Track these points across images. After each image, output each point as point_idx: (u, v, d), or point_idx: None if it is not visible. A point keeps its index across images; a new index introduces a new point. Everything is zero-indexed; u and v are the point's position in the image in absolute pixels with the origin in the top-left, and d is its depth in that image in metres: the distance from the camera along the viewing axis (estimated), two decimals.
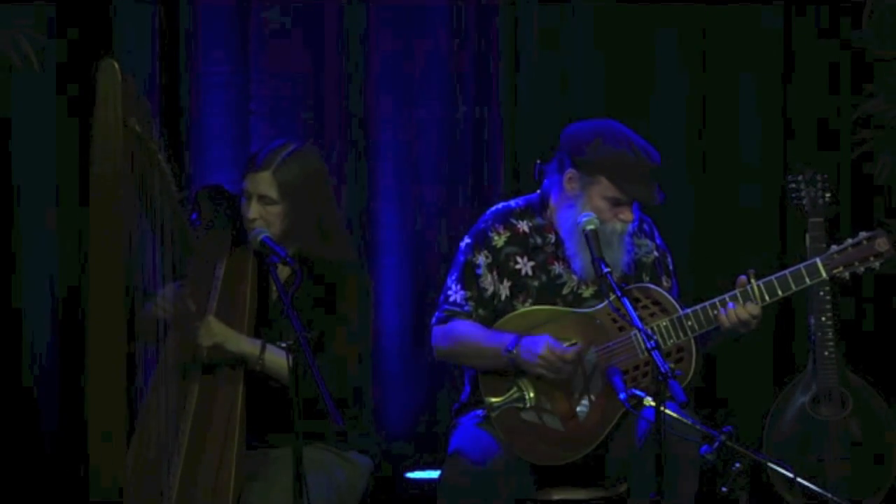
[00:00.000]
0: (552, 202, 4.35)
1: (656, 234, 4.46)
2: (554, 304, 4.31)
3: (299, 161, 4.20)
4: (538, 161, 4.43)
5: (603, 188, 4.22)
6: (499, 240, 4.34)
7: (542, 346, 4.13)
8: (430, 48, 5.48)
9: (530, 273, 4.33)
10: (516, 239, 4.34)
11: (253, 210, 4.16)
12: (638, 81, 5.50)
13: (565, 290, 4.32)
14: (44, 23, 5.24)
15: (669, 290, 4.36)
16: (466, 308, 4.31)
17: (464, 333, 4.29)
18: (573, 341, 4.23)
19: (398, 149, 5.48)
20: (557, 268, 4.33)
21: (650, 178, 4.23)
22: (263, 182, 4.16)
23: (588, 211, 4.22)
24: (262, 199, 4.16)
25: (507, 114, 5.47)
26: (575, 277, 4.32)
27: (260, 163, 4.18)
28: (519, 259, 4.34)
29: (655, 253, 4.42)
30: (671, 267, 4.44)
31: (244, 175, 4.21)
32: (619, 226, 4.25)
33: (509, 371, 4.25)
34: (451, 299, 4.34)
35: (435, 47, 5.48)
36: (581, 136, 4.28)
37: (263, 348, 4.04)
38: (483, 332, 4.26)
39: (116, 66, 3.65)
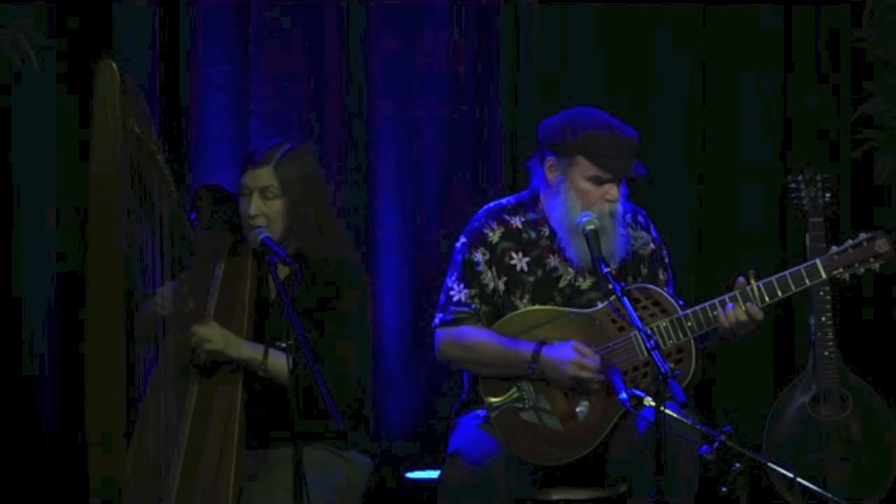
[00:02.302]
0: (542, 196, 4.36)
1: (651, 226, 4.47)
2: (551, 297, 4.31)
3: (298, 158, 4.23)
4: (528, 161, 4.45)
5: (582, 168, 4.25)
6: (493, 236, 4.35)
7: (572, 350, 4.15)
8: (430, 48, 5.49)
9: (525, 269, 4.33)
10: (510, 234, 4.35)
11: (254, 206, 4.16)
12: (638, 81, 5.50)
13: (562, 283, 4.33)
14: (44, 23, 5.24)
15: (666, 283, 4.38)
16: (473, 307, 4.31)
17: (476, 341, 4.28)
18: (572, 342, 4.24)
19: (398, 149, 5.48)
20: (553, 261, 4.33)
21: (628, 152, 4.25)
22: (265, 176, 4.16)
23: (573, 195, 4.25)
24: (264, 192, 4.16)
25: (507, 114, 5.48)
26: (571, 270, 4.32)
27: (260, 158, 4.19)
28: (514, 255, 4.34)
29: (652, 245, 4.43)
30: (667, 259, 4.46)
31: (242, 172, 4.21)
32: (606, 206, 4.25)
33: None
34: (456, 299, 4.33)
35: (435, 47, 5.48)
36: (555, 124, 4.33)
37: (266, 353, 4.04)
38: (498, 341, 4.25)
39: (115, 66, 3.65)
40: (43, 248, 5.26)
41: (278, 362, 4.00)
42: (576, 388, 4.19)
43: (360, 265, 4.35)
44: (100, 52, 4.73)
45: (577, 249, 4.26)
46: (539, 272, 4.33)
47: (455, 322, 4.32)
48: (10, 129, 5.26)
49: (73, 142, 5.11)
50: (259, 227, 4.15)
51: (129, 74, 3.71)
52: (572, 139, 4.25)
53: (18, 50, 5.21)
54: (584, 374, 4.14)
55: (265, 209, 4.16)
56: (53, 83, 5.25)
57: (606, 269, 4.04)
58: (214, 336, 4.00)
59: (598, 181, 4.25)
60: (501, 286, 4.33)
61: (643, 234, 4.43)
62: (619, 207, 4.28)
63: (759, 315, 4.16)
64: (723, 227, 5.53)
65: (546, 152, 4.33)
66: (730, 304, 4.16)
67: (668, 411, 3.71)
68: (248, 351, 4.04)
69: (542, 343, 4.20)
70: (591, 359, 4.15)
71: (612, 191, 4.26)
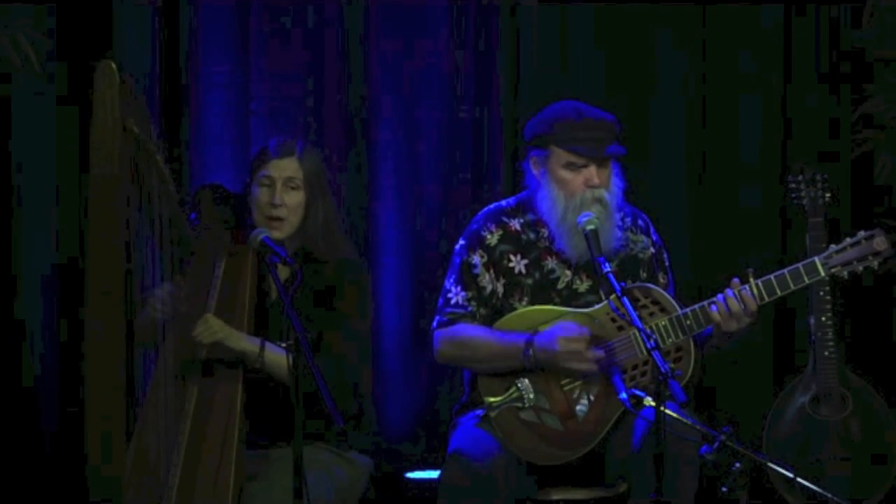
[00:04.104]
0: (534, 194, 4.38)
1: (652, 229, 4.47)
2: (550, 299, 4.31)
3: (315, 154, 4.32)
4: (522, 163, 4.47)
5: (557, 156, 4.28)
6: (492, 238, 4.36)
7: (560, 328, 4.15)
8: (430, 48, 5.49)
9: (524, 271, 4.34)
10: (509, 237, 4.36)
11: (279, 196, 4.18)
12: (638, 81, 5.50)
13: (560, 285, 4.33)
14: (44, 23, 5.24)
15: (666, 286, 4.38)
16: (469, 309, 4.32)
17: (471, 336, 4.29)
18: None
19: (398, 149, 5.49)
20: (550, 263, 4.34)
21: (599, 133, 4.26)
22: (291, 167, 4.22)
23: (555, 186, 4.27)
24: (288, 182, 4.21)
25: (507, 114, 5.48)
26: (569, 272, 4.33)
27: (281, 150, 4.23)
28: (512, 257, 4.35)
29: (651, 249, 4.43)
30: (667, 263, 4.46)
31: (261, 165, 4.23)
32: (589, 193, 4.26)
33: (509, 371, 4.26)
34: (453, 301, 4.34)
35: (435, 47, 5.49)
36: (531, 122, 4.38)
37: (263, 346, 4.05)
38: (492, 335, 4.26)
39: (114, 67, 3.66)
40: (43, 248, 5.26)
41: (275, 356, 4.01)
42: (571, 364, 4.15)
43: (360, 265, 4.36)
44: (100, 52, 4.77)
45: (570, 243, 4.27)
46: (537, 274, 4.33)
47: (450, 322, 4.33)
48: (10, 129, 5.26)
49: (73, 142, 5.11)
50: (280, 217, 4.20)
51: (129, 75, 3.72)
52: (545, 131, 4.30)
53: (18, 50, 5.21)
54: (574, 346, 4.12)
55: (288, 200, 4.19)
56: (53, 83, 5.25)
57: (607, 269, 4.04)
58: (211, 328, 4.01)
59: (575, 167, 4.27)
60: (500, 288, 4.34)
61: (643, 237, 4.43)
62: (605, 194, 4.28)
63: (753, 304, 4.14)
64: (723, 227, 5.53)
65: (528, 150, 4.37)
66: (720, 297, 4.15)
67: (668, 411, 3.71)
68: (246, 343, 4.05)
69: (534, 332, 4.21)
70: (579, 329, 4.14)
71: (593, 176, 4.26)
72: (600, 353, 4.13)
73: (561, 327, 4.16)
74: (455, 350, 4.33)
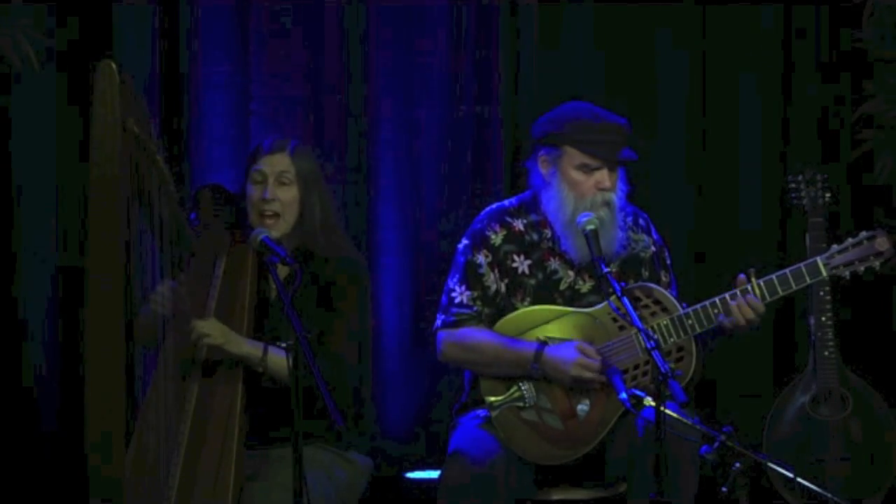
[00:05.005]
0: (539, 193, 4.37)
1: (653, 229, 4.47)
2: (552, 300, 4.31)
3: (308, 151, 4.31)
4: (526, 162, 4.46)
5: (570, 157, 4.26)
6: (496, 238, 4.35)
7: (574, 350, 4.15)
8: (430, 48, 5.49)
9: (527, 271, 4.33)
10: (512, 237, 4.36)
11: (271, 190, 4.18)
12: (638, 81, 5.50)
13: (562, 286, 4.33)
14: (44, 23, 5.24)
15: (668, 286, 4.37)
16: (475, 309, 4.31)
17: (477, 341, 4.28)
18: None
19: (398, 148, 5.49)
20: (553, 263, 4.34)
21: (615, 137, 4.26)
22: (282, 161, 4.21)
23: (565, 186, 4.26)
24: (280, 177, 4.20)
25: (507, 114, 5.48)
26: (571, 273, 4.32)
27: (274, 146, 4.23)
28: (516, 257, 4.34)
29: (653, 248, 4.43)
30: (668, 262, 4.45)
31: (254, 162, 4.23)
32: (600, 196, 4.26)
33: None
34: (458, 301, 4.33)
35: (435, 47, 5.49)
36: (543, 119, 4.37)
37: (266, 351, 4.04)
38: (499, 340, 4.26)
39: (115, 66, 3.66)
40: (43, 248, 5.26)
41: (278, 359, 4.00)
42: (577, 387, 4.19)
43: (361, 263, 4.35)
44: (100, 52, 4.77)
45: (575, 244, 4.27)
46: (540, 275, 4.33)
47: (456, 324, 4.32)
48: (10, 130, 5.26)
49: (74, 142, 5.11)
50: (274, 212, 4.18)
51: (129, 75, 3.71)
52: (559, 130, 4.28)
53: (18, 50, 5.21)
54: (587, 375, 4.14)
55: (280, 195, 4.19)
56: (53, 83, 5.25)
57: (606, 269, 4.04)
58: (213, 330, 4.00)
59: (588, 169, 4.26)
60: (503, 288, 4.33)
61: (644, 237, 4.43)
62: (614, 197, 4.28)
63: (761, 308, 4.15)
64: (723, 227, 5.53)
65: (538, 149, 4.35)
66: (731, 301, 4.15)
67: (668, 411, 3.71)
68: (248, 348, 4.04)
69: (543, 343, 4.21)
70: (594, 359, 4.15)
71: (605, 179, 4.26)
72: (604, 380, 4.14)
73: (577, 350, 4.16)
74: (460, 353, 4.32)
